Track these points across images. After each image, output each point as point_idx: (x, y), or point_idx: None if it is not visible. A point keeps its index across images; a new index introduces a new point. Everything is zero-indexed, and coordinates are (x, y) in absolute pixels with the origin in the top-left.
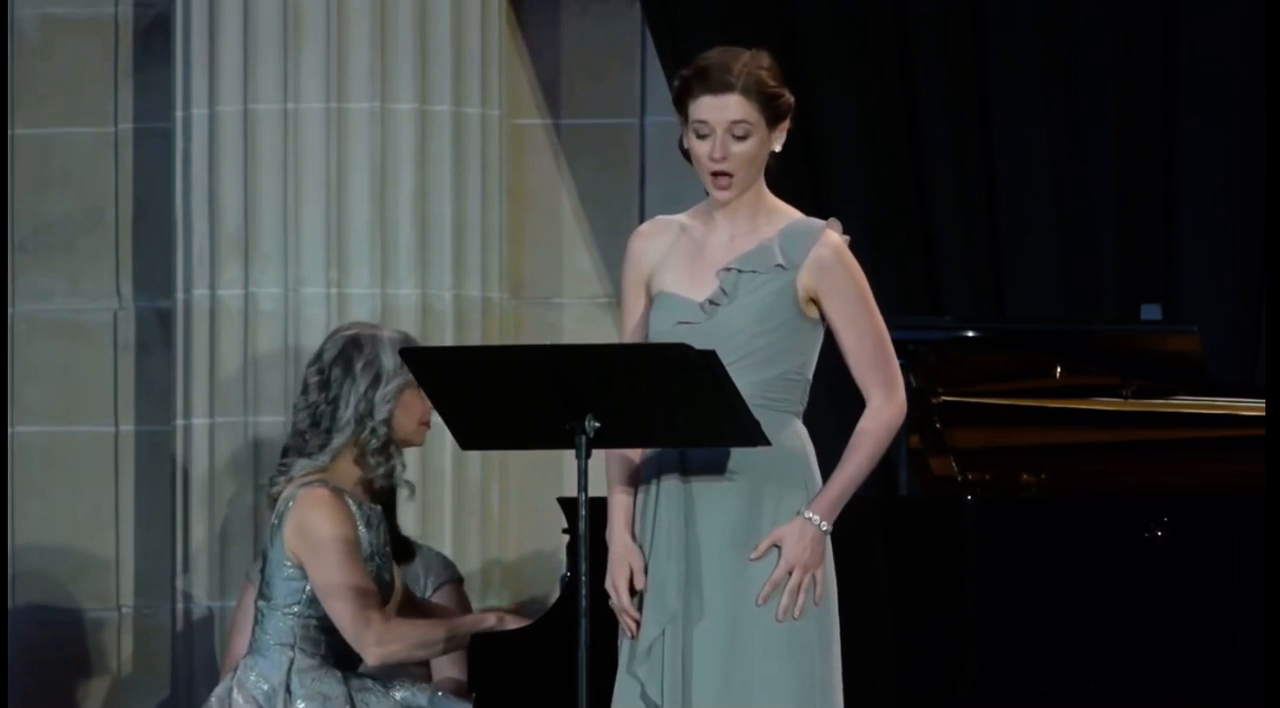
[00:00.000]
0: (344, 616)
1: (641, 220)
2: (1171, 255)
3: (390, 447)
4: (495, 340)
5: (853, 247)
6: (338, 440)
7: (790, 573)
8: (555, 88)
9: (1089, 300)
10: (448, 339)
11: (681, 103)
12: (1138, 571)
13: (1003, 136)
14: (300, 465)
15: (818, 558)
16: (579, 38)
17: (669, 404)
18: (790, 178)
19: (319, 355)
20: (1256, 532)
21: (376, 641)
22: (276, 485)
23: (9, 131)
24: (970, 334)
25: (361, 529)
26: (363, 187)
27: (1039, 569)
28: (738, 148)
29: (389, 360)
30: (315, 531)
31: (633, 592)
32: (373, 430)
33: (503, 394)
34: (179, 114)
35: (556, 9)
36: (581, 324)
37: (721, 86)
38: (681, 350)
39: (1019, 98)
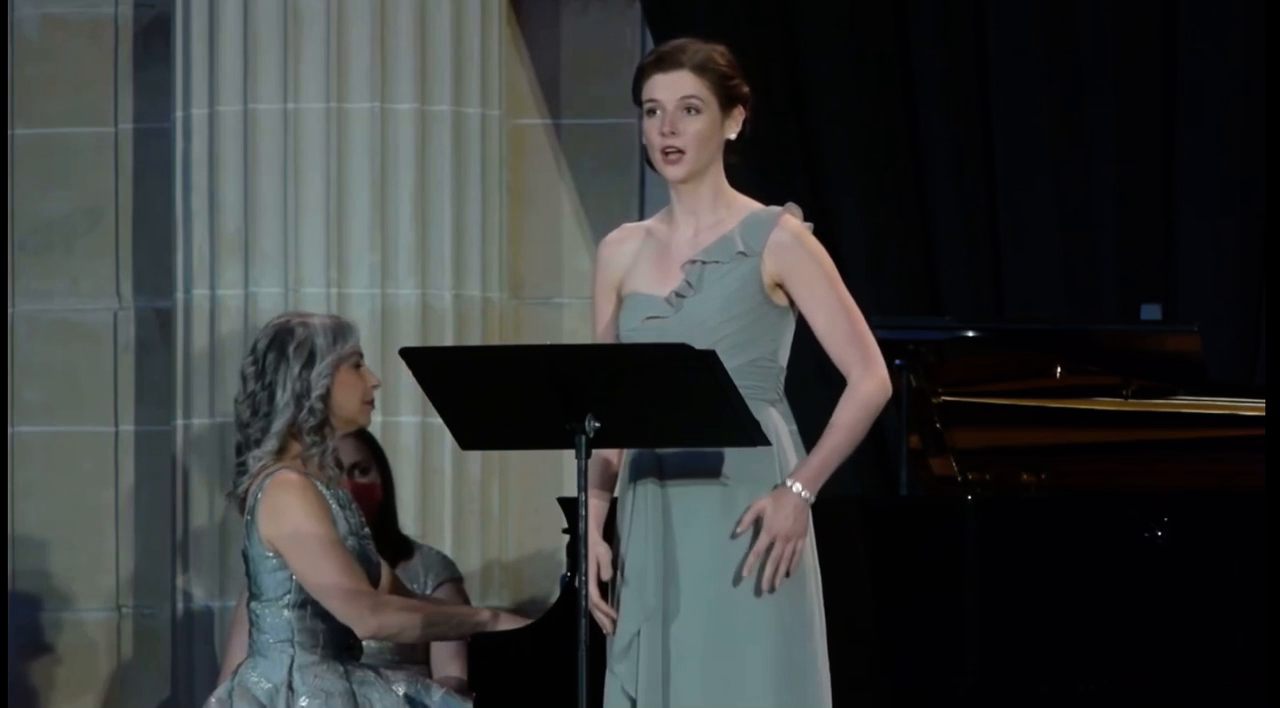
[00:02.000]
0: (332, 592)
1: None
2: (1171, 255)
3: (325, 428)
4: (495, 340)
5: (851, 244)
6: (278, 423)
7: (773, 544)
8: (555, 88)
9: (1089, 300)
10: (448, 339)
11: (637, 93)
12: (1138, 571)
13: (1003, 137)
14: (254, 457)
15: (801, 527)
16: (579, 38)
17: (669, 404)
18: (790, 178)
19: (253, 348)
20: (1256, 532)
21: (371, 610)
22: (240, 486)
23: (9, 131)
24: (970, 334)
25: (336, 509)
26: (363, 187)
27: (1039, 569)
28: (688, 125)
29: (322, 340)
30: (287, 514)
31: (603, 589)
32: (310, 409)
33: (503, 394)
34: (179, 114)
35: (556, 9)
36: (581, 324)
37: (672, 64)
38: (681, 350)
39: (1019, 98)
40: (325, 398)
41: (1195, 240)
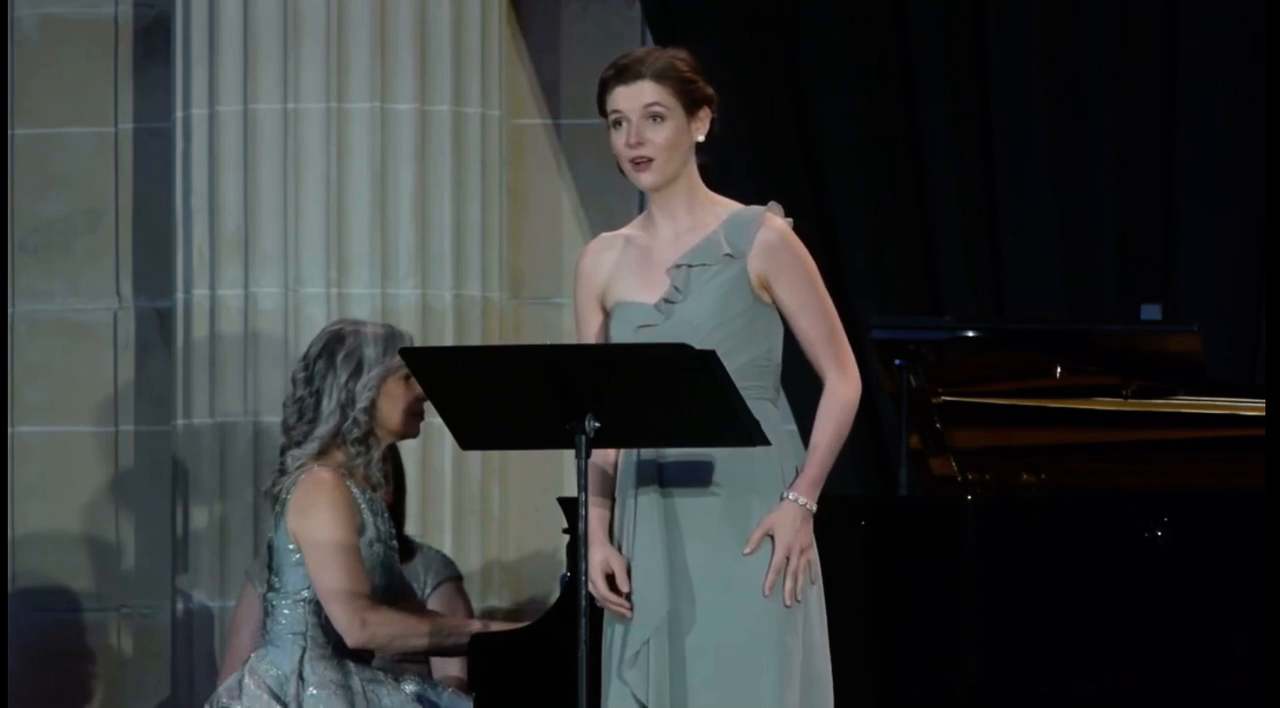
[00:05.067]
0: (332, 596)
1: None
2: (1171, 255)
3: (370, 438)
4: (495, 340)
5: (851, 244)
6: (322, 429)
7: (789, 558)
8: (555, 88)
9: (1089, 300)
10: (448, 339)
11: (601, 106)
12: (1138, 571)
13: (1003, 137)
14: (293, 456)
15: (808, 537)
16: (579, 38)
17: (669, 404)
18: (790, 178)
19: (305, 353)
20: (1256, 532)
21: (362, 622)
22: (278, 486)
23: (9, 131)
24: (970, 334)
25: (367, 515)
26: (363, 187)
27: (1039, 569)
28: (653, 133)
29: (371, 351)
30: (313, 510)
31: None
32: (354, 420)
33: (503, 394)
34: (179, 114)
35: (556, 9)
36: None
37: (633, 75)
38: (681, 351)
39: (1019, 98)
40: (370, 410)
41: (1195, 240)
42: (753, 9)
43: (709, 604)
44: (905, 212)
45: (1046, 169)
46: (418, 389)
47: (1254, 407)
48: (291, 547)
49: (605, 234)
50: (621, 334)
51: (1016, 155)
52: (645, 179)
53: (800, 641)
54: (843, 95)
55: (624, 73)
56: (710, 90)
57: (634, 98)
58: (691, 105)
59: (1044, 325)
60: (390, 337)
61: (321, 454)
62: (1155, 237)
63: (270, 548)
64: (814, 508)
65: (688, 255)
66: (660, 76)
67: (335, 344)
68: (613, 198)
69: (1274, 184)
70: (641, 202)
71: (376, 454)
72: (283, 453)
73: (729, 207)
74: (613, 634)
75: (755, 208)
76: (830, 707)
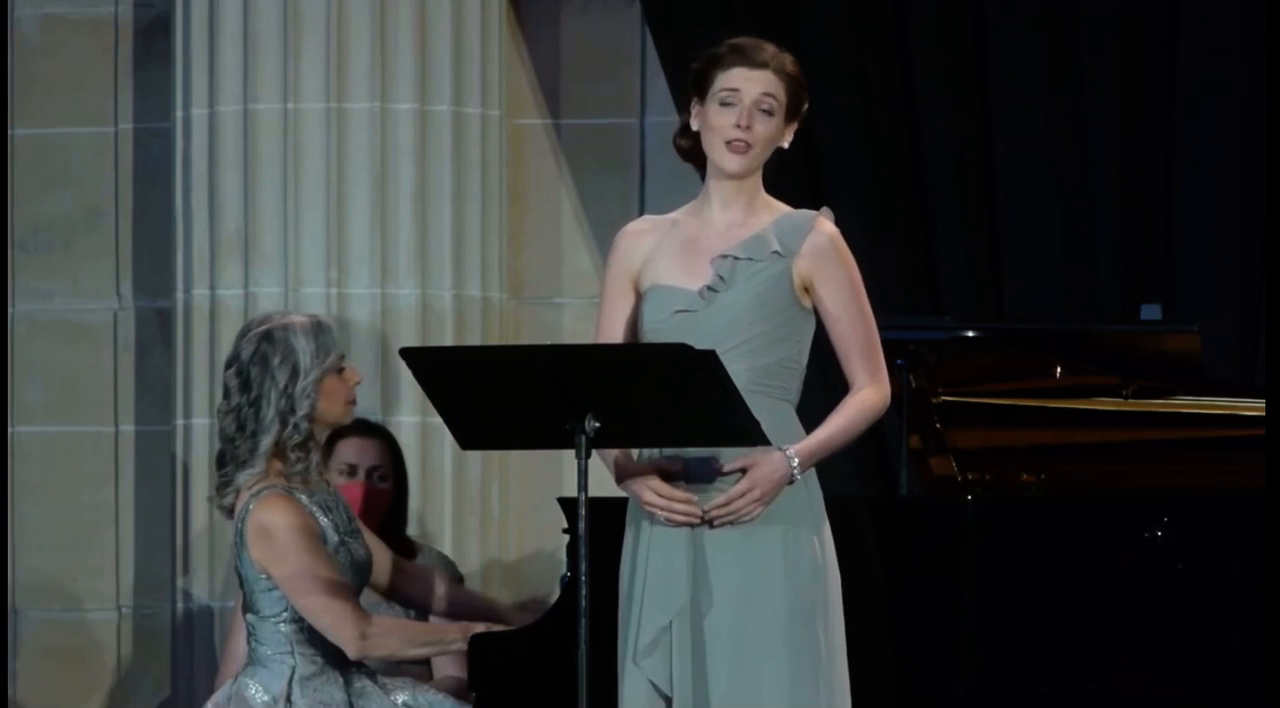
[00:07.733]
0: (320, 613)
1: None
2: (1171, 255)
3: (309, 442)
4: (495, 340)
5: (850, 244)
6: (265, 441)
7: (745, 494)
8: (555, 88)
9: (1089, 300)
10: (448, 339)
11: (706, 78)
12: (1138, 571)
13: (1003, 136)
14: (242, 477)
15: (774, 494)
16: (579, 38)
17: (669, 404)
18: (790, 177)
19: (236, 356)
20: (1256, 532)
21: (359, 634)
22: (227, 497)
23: (9, 131)
24: (970, 334)
25: (321, 519)
26: (363, 187)
27: (1039, 569)
28: (761, 124)
29: (305, 354)
30: (273, 536)
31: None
32: (295, 426)
33: (503, 394)
34: (179, 114)
35: (556, 9)
36: (581, 324)
37: (757, 62)
38: (681, 350)
39: (1019, 97)
40: (310, 416)
41: (1195, 240)
42: (753, 9)
43: (730, 596)
44: (905, 212)
45: (1046, 169)
46: (353, 376)
47: (1254, 407)
48: (263, 577)
49: (650, 215)
50: (656, 317)
51: (1016, 155)
52: (735, 163)
53: (823, 636)
54: (843, 95)
55: (747, 55)
56: (806, 105)
57: (754, 83)
58: (793, 112)
59: (1044, 325)
60: (319, 331)
61: (267, 465)
62: (1155, 237)
63: (239, 576)
64: (799, 476)
65: (736, 248)
66: (781, 72)
67: (267, 347)
68: (613, 198)
69: (1274, 184)
70: (642, 202)
71: (315, 458)
72: (222, 462)
73: (781, 208)
74: (629, 622)
75: (808, 212)
76: (848, 704)
